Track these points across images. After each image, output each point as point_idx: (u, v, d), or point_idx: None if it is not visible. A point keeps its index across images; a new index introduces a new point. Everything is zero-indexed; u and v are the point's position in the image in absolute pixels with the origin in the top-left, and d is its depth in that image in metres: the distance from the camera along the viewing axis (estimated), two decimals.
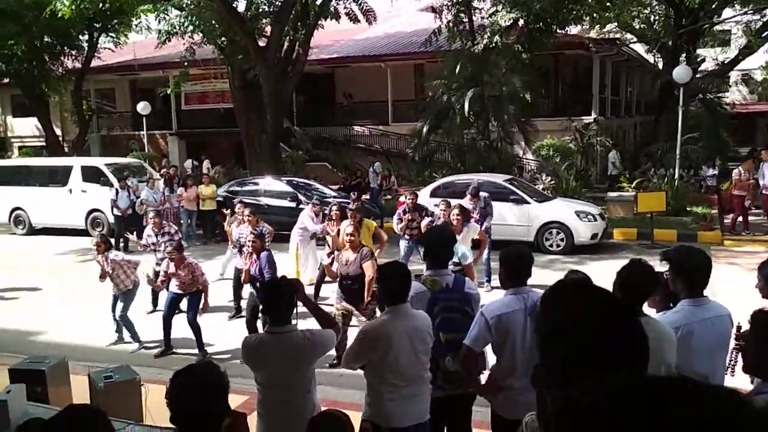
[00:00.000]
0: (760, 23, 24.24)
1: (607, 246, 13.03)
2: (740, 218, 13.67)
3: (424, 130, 18.84)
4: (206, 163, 22.37)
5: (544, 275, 10.41)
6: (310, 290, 9.50)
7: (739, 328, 3.59)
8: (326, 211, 10.24)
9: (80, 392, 5.41)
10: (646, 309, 3.53)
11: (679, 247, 3.78)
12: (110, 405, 5.02)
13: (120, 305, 7.90)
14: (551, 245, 12.52)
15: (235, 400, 5.72)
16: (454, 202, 10.05)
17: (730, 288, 9.19)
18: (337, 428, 2.89)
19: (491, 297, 8.44)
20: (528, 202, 12.79)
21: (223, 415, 2.47)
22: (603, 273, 10.71)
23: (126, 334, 8.07)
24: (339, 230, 8.06)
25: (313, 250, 10.23)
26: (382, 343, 3.60)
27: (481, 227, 9.47)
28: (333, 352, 5.99)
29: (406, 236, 10.01)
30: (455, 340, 3.85)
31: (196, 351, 7.58)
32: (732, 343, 3.60)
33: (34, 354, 6.83)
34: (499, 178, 13.70)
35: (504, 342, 3.66)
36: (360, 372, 3.86)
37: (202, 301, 7.63)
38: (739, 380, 3.10)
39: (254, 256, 7.39)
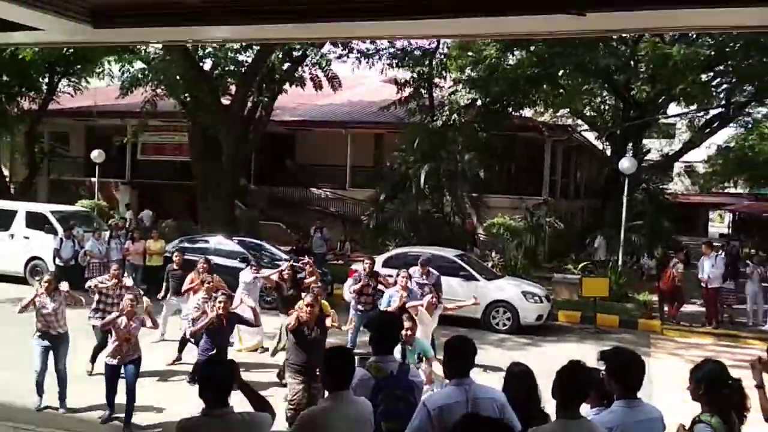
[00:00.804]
0: (703, 120, 25.80)
1: (552, 327, 13.26)
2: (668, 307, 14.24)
3: (381, 198, 19.11)
4: (131, 214, 21.74)
5: (489, 355, 10.55)
6: (256, 356, 9.39)
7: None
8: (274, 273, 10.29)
9: None
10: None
11: (615, 348, 3.92)
12: None
13: (59, 356, 7.58)
14: (497, 323, 12.66)
15: None
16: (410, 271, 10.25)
17: (666, 382, 9.47)
18: None
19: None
20: (477, 279, 12.97)
21: None
22: (546, 356, 10.90)
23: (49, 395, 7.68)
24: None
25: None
26: (320, 431, 3.56)
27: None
28: None
29: (360, 307, 9.97)
30: (397, 429, 3.84)
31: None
32: None
33: None
34: (450, 252, 13.90)
35: None
36: None
37: (149, 322, 7.54)
38: None
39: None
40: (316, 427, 3.60)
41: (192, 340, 8.54)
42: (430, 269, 10.68)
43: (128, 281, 8.92)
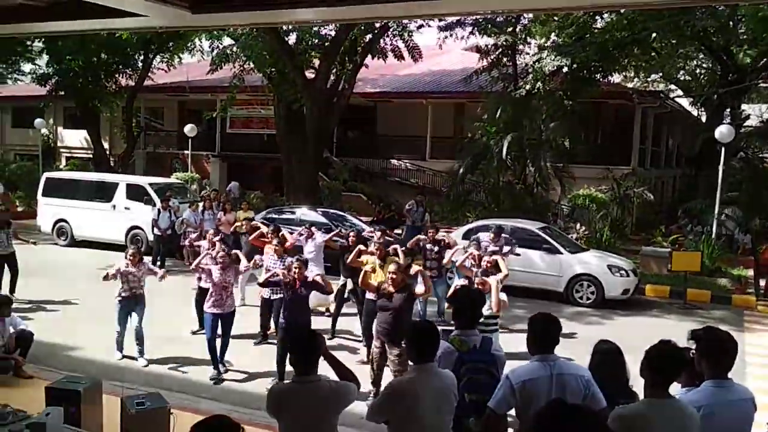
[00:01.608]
0: None
1: (638, 302, 12.91)
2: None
3: (461, 170, 18.98)
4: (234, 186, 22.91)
5: (572, 327, 10.44)
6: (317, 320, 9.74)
7: None
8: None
9: (112, 415, 5.60)
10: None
11: (707, 328, 3.83)
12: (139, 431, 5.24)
13: (136, 316, 8.30)
14: (581, 297, 12.45)
15: None
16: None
17: (761, 360, 9.07)
18: None
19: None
20: (560, 252, 12.77)
21: None
22: (631, 331, 10.65)
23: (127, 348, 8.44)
24: (364, 260, 8.42)
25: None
26: (407, 400, 3.70)
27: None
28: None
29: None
30: (479, 401, 3.93)
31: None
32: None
33: (70, 371, 7.12)
34: (533, 225, 13.70)
35: (527, 407, 3.72)
36: None
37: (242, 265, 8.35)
38: None
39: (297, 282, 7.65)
40: (403, 397, 3.74)
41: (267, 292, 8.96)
42: (503, 236, 10.76)
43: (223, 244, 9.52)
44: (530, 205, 18.02)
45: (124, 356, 8.41)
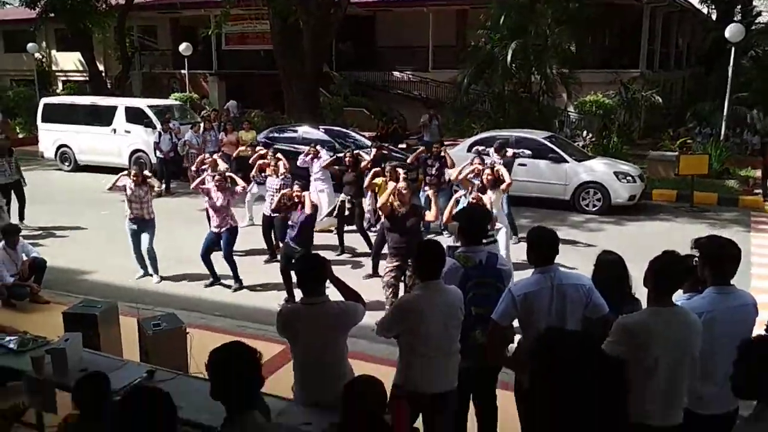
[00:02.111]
0: None
1: (645, 207, 12.92)
2: None
3: (465, 79, 18.60)
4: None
5: (577, 235, 10.55)
6: (326, 237, 9.86)
7: None
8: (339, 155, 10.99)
9: (129, 337, 5.75)
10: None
11: (710, 236, 3.84)
12: (158, 352, 5.38)
13: (146, 238, 8.52)
14: (587, 205, 12.48)
15: (273, 349, 6.04)
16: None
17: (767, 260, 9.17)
18: (371, 393, 3.05)
19: (518, 248, 8.57)
20: (567, 161, 12.68)
21: (256, 384, 2.78)
22: (637, 237, 10.75)
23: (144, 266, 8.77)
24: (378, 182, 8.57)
25: (330, 197, 10.70)
26: (414, 316, 3.80)
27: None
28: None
29: (425, 188, 10.24)
30: (486, 314, 4.00)
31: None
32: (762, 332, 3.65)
33: (85, 294, 7.28)
34: (539, 135, 13.54)
35: (529, 318, 3.81)
36: None
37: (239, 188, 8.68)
38: None
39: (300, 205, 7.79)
40: (410, 313, 3.84)
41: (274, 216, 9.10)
42: (507, 150, 10.64)
43: (222, 165, 9.53)
44: (536, 113, 17.76)
45: (145, 274, 8.73)
